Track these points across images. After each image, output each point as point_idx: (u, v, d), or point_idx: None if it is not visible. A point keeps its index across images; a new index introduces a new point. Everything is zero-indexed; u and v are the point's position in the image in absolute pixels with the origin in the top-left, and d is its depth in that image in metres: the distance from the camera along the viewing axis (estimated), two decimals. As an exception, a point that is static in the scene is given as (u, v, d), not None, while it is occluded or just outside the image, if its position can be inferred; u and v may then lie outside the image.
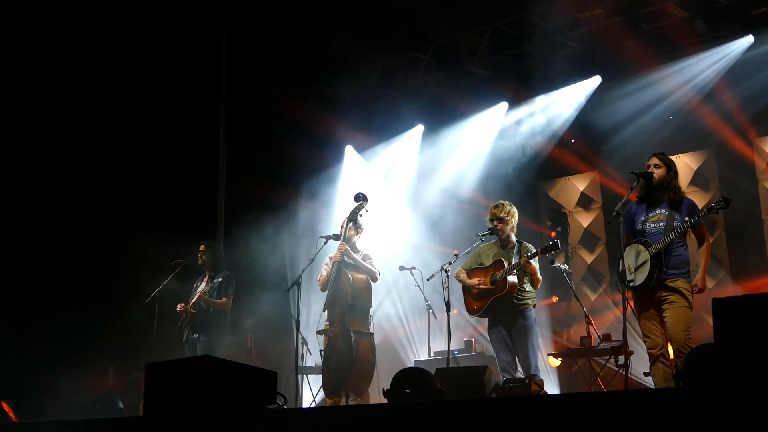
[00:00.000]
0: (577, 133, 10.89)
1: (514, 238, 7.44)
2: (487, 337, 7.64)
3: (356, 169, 12.19)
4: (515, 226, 7.47)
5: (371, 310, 8.01)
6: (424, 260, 10.05)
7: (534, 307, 7.34)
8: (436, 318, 9.52)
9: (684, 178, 9.44)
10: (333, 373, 7.64)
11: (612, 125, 10.04)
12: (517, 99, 11.05)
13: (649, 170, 6.30)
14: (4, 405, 6.66)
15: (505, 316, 7.27)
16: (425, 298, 9.46)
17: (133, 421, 5.58)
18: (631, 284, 6.17)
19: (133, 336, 9.65)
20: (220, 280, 8.86)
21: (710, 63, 9.64)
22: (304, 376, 9.26)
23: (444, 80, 11.20)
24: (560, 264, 8.67)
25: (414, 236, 11.20)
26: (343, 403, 7.51)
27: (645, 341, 6.24)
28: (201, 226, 10.61)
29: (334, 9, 9.98)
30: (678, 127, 10.02)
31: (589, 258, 11.33)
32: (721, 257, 10.01)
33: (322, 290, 7.97)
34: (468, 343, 9.53)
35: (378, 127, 11.90)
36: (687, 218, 6.11)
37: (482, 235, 7.44)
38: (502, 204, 7.48)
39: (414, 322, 11.08)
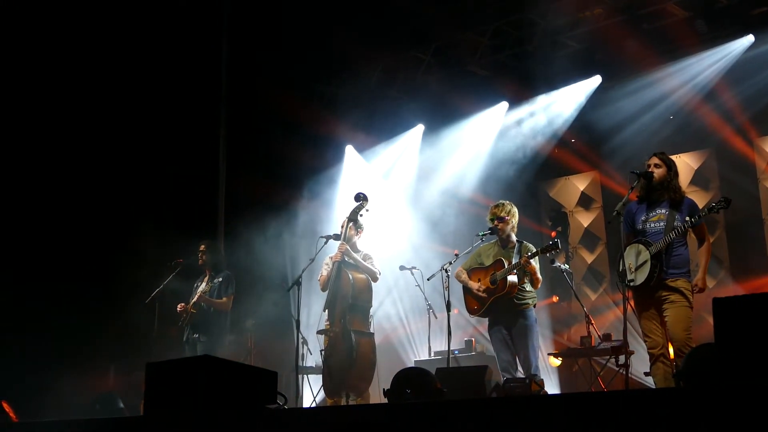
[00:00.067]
0: (578, 132, 10.88)
1: (514, 237, 7.44)
2: (488, 336, 7.64)
3: (357, 169, 12.19)
4: (516, 225, 7.47)
5: (372, 310, 8.01)
6: (424, 260, 10.05)
7: (534, 306, 7.34)
8: (436, 318, 9.52)
9: (684, 177, 9.43)
10: (333, 373, 7.64)
11: (612, 125, 10.04)
12: (517, 99, 11.05)
13: (650, 170, 6.30)
14: (5, 405, 6.66)
15: (505, 315, 7.27)
16: (425, 298, 9.46)
17: (133, 421, 5.58)
18: (632, 284, 6.16)
19: (133, 336, 9.65)
20: (220, 280, 8.87)
21: (711, 63, 9.64)
22: (305, 376, 9.26)
23: (444, 80, 11.20)
24: (561, 264, 8.67)
25: (414, 236, 11.19)
26: (343, 403, 7.51)
27: (645, 341, 6.24)
28: (201, 226, 10.61)
29: (334, 9, 9.98)
30: (678, 127, 10.02)
31: (589, 258, 11.33)
32: (722, 257, 10.01)
33: (323, 290, 7.97)
34: (468, 342, 9.53)
35: (378, 126, 11.90)
36: (687, 218, 6.11)
37: (482, 235, 7.44)
38: (503, 204, 7.49)
39: (414, 322, 11.08)
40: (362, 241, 8.10)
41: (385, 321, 10.86)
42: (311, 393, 9.39)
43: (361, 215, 7.93)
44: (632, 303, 6.31)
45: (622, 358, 7.20)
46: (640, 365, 7.71)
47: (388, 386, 5.67)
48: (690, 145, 10.29)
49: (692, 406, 3.21)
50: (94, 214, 10.22)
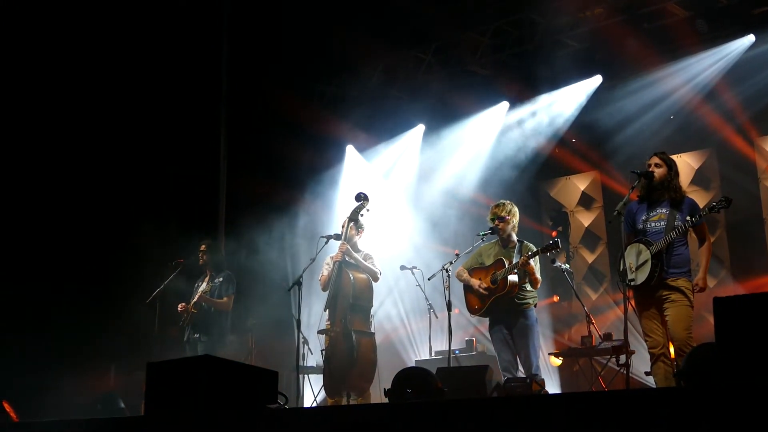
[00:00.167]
0: (578, 132, 10.87)
1: (515, 237, 7.44)
2: (489, 336, 7.64)
3: (357, 169, 12.19)
4: (516, 225, 7.46)
5: (372, 310, 8.01)
6: (425, 260, 10.05)
7: (535, 306, 7.34)
8: (437, 317, 9.52)
9: (685, 177, 9.42)
10: (334, 373, 7.64)
11: (613, 124, 10.04)
12: (518, 98, 11.05)
13: (650, 169, 6.30)
14: (6, 405, 6.66)
15: (506, 315, 7.26)
16: (426, 298, 9.46)
17: (134, 421, 5.58)
18: (632, 283, 6.16)
19: (134, 336, 9.66)
20: (221, 279, 8.88)
21: (711, 62, 9.63)
22: (305, 375, 9.26)
23: (445, 80, 11.20)
24: (561, 263, 8.67)
25: (415, 236, 11.19)
26: (344, 402, 7.51)
27: (646, 340, 6.24)
28: (202, 226, 10.61)
29: (334, 9, 9.98)
30: (679, 127, 10.02)
31: (590, 257, 11.33)
32: (723, 256, 10.01)
33: (324, 290, 7.97)
34: (469, 342, 9.53)
35: (379, 126, 11.89)
36: (688, 217, 6.11)
37: (483, 235, 7.44)
38: (503, 203, 7.48)
39: (415, 322, 11.08)
40: (363, 241, 8.10)
41: (386, 321, 10.86)
42: (312, 393, 9.39)
43: (361, 215, 7.93)
44: (633, 302, 6.31)
45: (622, 358, 7.20)
46: (640, 365, 7.71)
47: (388, 386, 5.68)
48: (691, 145, 10.29)
49: (693, 406, 3.21)
50: (95, 213, 10.22)
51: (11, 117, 9.67)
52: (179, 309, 8.76)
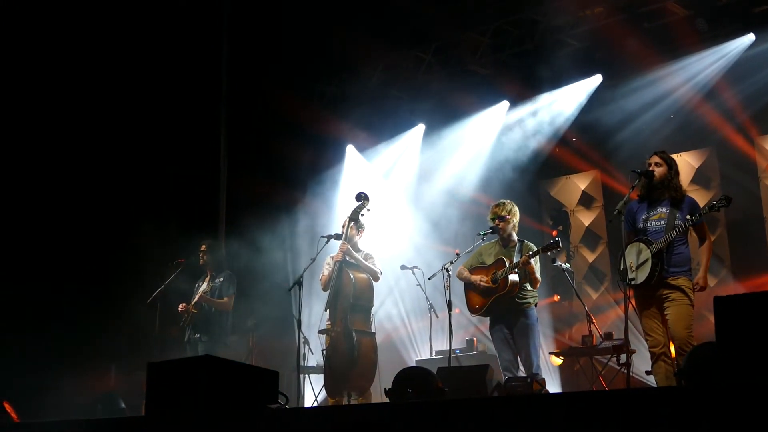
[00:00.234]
0: (579, 131, 10.87)
1: (515, 236, 7.44)
2: (489, 336, 7.64)
3: (357, 169, 12.19)
4: (517, 225, 7.47)
5: (373, 310, 8.01)
6: (425, 259, 10.04)
7: (536, 305, 7.34)
8: (437, 317, 9.51)
9: (685, 176, 9.41)
10: (335, 373, 7.64)
11: (613, 124, 10.04)
12: (518, 98, 11.04)
13: (650, 168, 6.30)
14: (6, 405, 6.66)
15: (506, 314, 7.26)
16: (427, 298, 9.46)
17: (135, 421, 5.58)
18: (633, 283, 6.16)
19: (134, 336, 9.65)
20: (221, 279, 8.88)
21: (711, 61, 9.63)
22: (306, 375, 9.27)
23: (445, 79, 11.19)
24: (562, 263, 8.66)
25: (415, 235, 11.19)
26: (344, 402, 7.51)
27: (647, 340, 6.24)
28: (202, 226, 10.60)
29: (334, 8, 9.97)
30: (679, 126, 10.01)
31: (590, 257, 11.32)
32: (723, 255, 10.01)
33: (324, 290, 7.97)
34: (470, 342, 9.53)
35: (379, 126, 11.89)
36: (688, 216, 6.11)
37: (484, 234, 7.44)
38: (504, 203, 7.48)
39: (416, 322, 11.08)
40: (363, 241, 8.10)
41: (387, 320, 10.86)
42: (313, 393, 9.40)
43: (362, 215, 7.93)
44: (633, 302, 6.31)
45: (623, 357, 7.20)
46: (641, 364, 7.71)
47: (389, 386, 5.68)
48: (691, 144, 10.29)
49: (694, 405, 3.21)
50: (96, 214, 10.22)
51: (11, 117, 9.67)
52: (180, 309, 8.76)
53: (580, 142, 11.08)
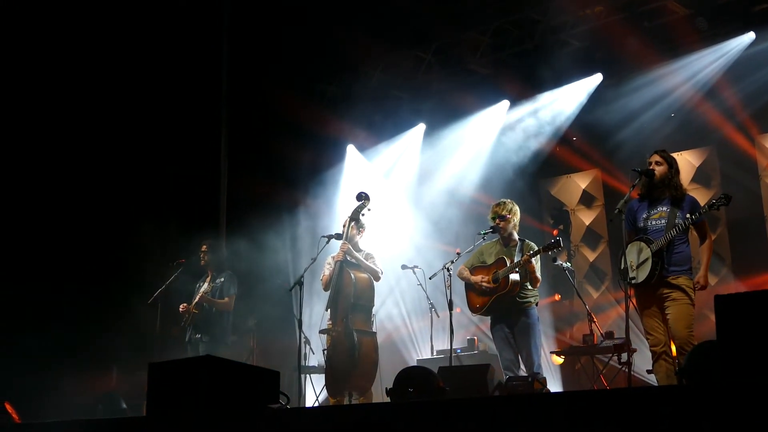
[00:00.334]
0: (579, 130, 10.87)
1: (516, 236, 7.44)
2: (490, 335, 7.63)
3: (358, 169, 12.19)
4: (517, 224, 7.46)
5: (374, 309, 8.01)
6: (426, 259, 10.03)
7: (536, 305, 7.34)
8: (438, 317, 9.50)
9: (686, 175, 9.41)
10: (336, 373, 7.64)
11: (614, 123, 10.03)
12: (518, 97, 11.03)
13: (651, 167, 6.31)
14: (7, 406, 6.67)
15: (507, 314, 7.26)
16: (428, 297, 9.46)
17: (136, 422, 5.58)
18: (633, 282, 6.17)
19: (135, 336, 9.65)
20: (222, 279, 8.88)
21: (711, 60, 9.62)
22: (307, 375, 9.26)
23: (445, 79, 11.21)
24: (562, 262, 8.67)
25: (416, 235, 11.19)
26: (346, 402, 7.51)
27: (647, 339, 6.24)
28: (203, 226, 10.60)
29: (334, 8, 9.97)
30: (679, 125, 10.01)
31: (591, 256, 11.32)
32: (724, 254, 10.01)
33: (325, 290, 7.97)
34: (471, 341, 9.54)
35: (380, 126, 11.90)
36: (689, 215, 6.11)
37: (484, 234, 7.44)
38: (504, 202, 7.48)
39: (416, 321, 11.07)
40: (364, 241, 8.10)
41: (388, 320, 10.85)
42: (314, 392, 9.40)
43: (362, 214, 7.94)
44: (634, 301, 6.31)
45: (624, 356, 7.19)
46: (642, 363, 7.72)
47: (390, 385, 5.68)
48: (691, 143, 10.29)
49: (695, 404, 3.21)
50: (96, 214, 10.23)
51: (12, 117, 9.67)
52: (181, 309, 8.76)
53: (580, 142, 11.08)
